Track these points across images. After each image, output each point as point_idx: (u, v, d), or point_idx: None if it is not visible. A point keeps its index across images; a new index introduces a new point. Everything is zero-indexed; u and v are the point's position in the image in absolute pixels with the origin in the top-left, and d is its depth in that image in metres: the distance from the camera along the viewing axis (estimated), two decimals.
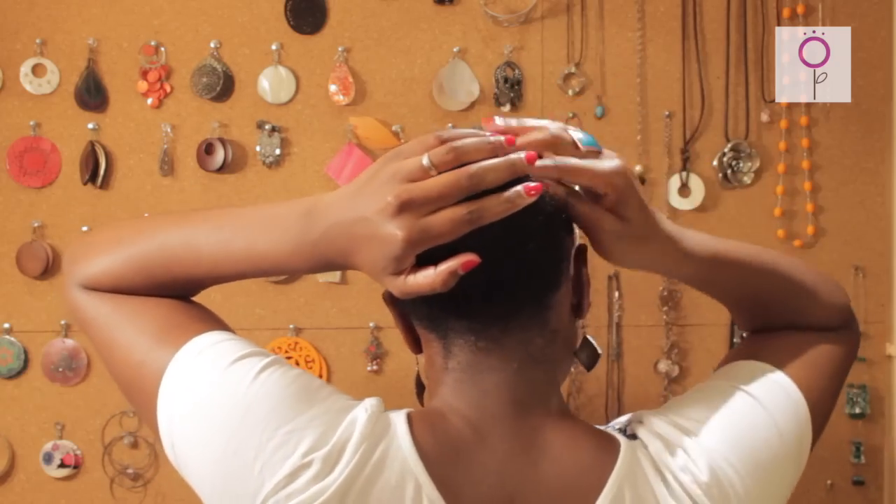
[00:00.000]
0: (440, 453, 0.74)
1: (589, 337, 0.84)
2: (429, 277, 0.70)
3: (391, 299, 0.81)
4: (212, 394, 0.75)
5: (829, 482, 1.52)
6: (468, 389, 0.77)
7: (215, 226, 0.80)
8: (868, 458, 1.52)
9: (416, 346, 0.82)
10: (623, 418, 0.83)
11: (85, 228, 1.54)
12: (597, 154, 0.75)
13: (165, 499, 1.55)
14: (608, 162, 0.75)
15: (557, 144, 0.74)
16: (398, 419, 0.75)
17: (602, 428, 0.81)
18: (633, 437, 0.79)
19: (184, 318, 0.80)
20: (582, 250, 0.82)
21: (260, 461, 0.72)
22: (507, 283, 0.75)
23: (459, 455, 0.75)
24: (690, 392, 0.85)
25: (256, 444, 0.72)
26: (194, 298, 0.86)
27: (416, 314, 0.79)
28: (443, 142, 0.71)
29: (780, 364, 0.86)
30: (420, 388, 0.84)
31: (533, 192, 0.71)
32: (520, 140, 0.73)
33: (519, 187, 0.71)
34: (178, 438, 0.76)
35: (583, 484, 0.74)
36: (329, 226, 0.73)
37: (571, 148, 0.74)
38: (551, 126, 0.75)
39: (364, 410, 0.74)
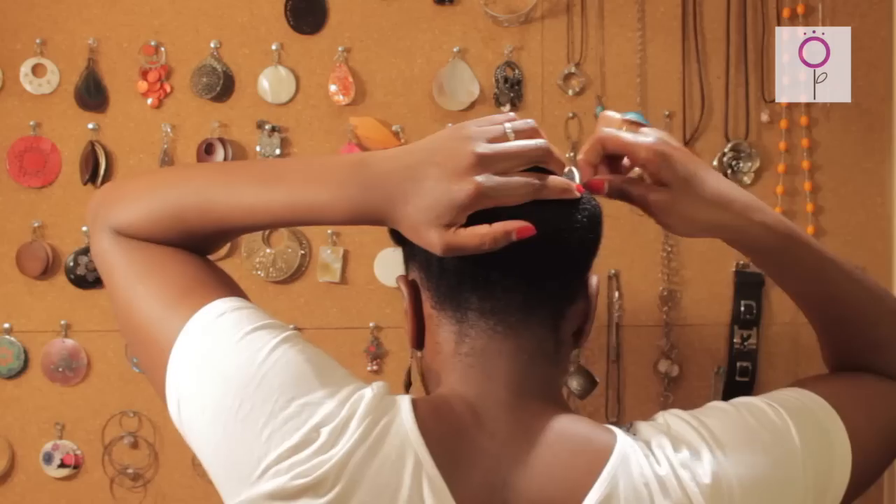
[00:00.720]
0: (441, 434, 0.75)
1: (586, 368, 0.87)
2: (479, 234, 0.72)
3: (408, 281, 0.82)
4: (228, 358, 0.76)
5: None
6: (477, 375, 0.78)
7: (256, 177, 0.81)
8: None
9: (420, 339, 0.83)
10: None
11: (85, 228, 1.54)
12: (637, 127, 0.82)
13: (165, 499, 1.55)
14: (647, 134, 0.82)
15: (606, 119, 0.84)
16: (403, 400, 0.77)
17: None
18: (634, 433, 0.79)
19: (209, 279, 0.81)
20: (595, 283, 0.83)
21: (269, 428, 0.73)
22: (539, 271, 0.76)
23: (460, 437, 0.76)
24: (720, 403, 0.84)
25: (269, 411, 0.73)
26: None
27: (437, 292, 0.80)
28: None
29: (840, 406, 0.84)
30: (408, 384, 0.86)
31: (581, 191, 0.79)
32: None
33: (573, 183, 0.78)
34: (186, 397, 0.77)
35: (577, 472, 0.75)
36: (384, 172, 0.75)
37: (617, 121, 0.83)
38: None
39: (371, 389, 0.76)
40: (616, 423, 0.82)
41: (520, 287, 0.77)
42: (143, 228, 0.82)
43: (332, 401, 0.74)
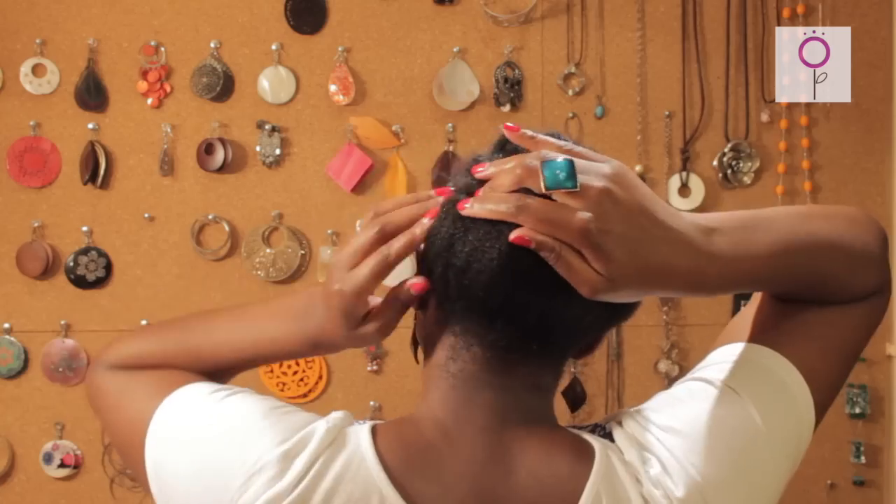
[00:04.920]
0: (406, 464, 0.74)
1: (578, 378, 0.84)
2: (387, 300, 0.75)
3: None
4: (187, 422, 0.79)
5: (829, 482, 1.52)
6: (458, 398, 0.77)
7: (232, 319, 0.88)
8: (868, 458, 1.52)
9: (423, 301, 0.79)
10: (608, 416, 0.82)
11: (85, 228, 1.54)
12: (571, 195, 0.67)
13: None
14: (572, 209, 0.67)
15: (525, 181, 0.69)
16: (361, 432, 0.75)
17: (578, 432, 0.80)
18: (610, 436, 0.78)
19: (178, 376, 0.85)
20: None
21: (222, 476, 0.74)
22: (540, 314, 0.73)
23: (427, 464, 0.75)
24: (678, 392, 0.82)
25: (218, 457, 0.75)
26: None
27: (452, 312, 0.76)
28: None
29: (788, 348, 0.81)
30: (416, 344, 0.83)
31: (433, 215, 0.72)
32: (492, 182, 0.70)
33: (425, 219, 0.73)
34: (162, 474, 0.78)
35: (560, 491, 0.74)
36: (315, 302, 0.80)
37: (539, 188, 0.68)
38: (526, 160, 0.69)
39: (325, 423, 0.75)
40: (596, 424, 0.81)
41: (523, 324, 0.74)
42: (135, 362, 0.89)
43: (271, 433, 0.74)
